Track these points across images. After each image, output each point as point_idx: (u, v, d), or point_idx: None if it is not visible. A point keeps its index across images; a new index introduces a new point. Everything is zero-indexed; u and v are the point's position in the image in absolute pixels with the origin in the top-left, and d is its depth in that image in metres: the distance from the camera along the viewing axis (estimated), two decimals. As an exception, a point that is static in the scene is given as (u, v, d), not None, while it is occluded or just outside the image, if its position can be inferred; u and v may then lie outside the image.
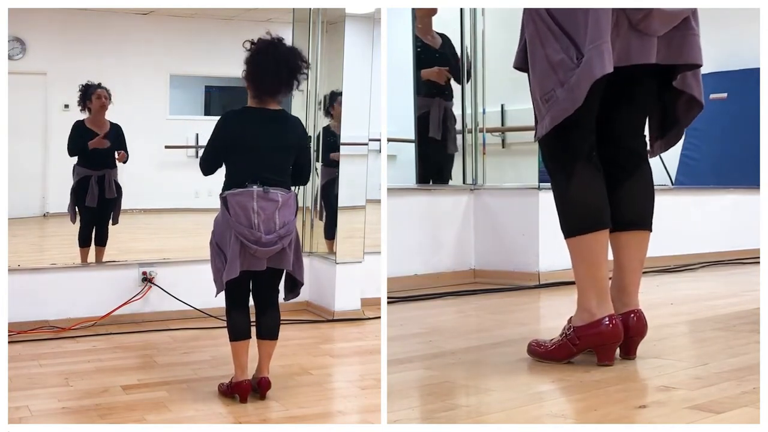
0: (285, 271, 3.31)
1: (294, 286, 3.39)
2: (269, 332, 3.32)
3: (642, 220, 2.95)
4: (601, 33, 2.65)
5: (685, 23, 2.79)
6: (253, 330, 3.32)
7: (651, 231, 2.96)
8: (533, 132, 2.93)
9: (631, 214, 2.92)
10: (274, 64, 3.17)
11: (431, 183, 5.78)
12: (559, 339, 2.91)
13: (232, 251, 3.13)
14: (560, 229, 2.92)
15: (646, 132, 3.05)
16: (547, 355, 2.92)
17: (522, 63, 2.91)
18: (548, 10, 2.75)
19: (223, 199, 3.19)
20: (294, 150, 3.32)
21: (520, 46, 2.93)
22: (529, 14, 2.82)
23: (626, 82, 2.86)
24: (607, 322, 2.79)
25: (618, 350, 2.89)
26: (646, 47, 2.76)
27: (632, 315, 2.89)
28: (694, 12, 2.81)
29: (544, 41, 2.76)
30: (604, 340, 2.81)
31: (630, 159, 2.96)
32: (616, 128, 2.94)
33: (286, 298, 3.42)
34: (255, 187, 3.15)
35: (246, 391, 3.20)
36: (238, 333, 3.26)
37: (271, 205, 3.16)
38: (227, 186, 3.22)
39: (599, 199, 2.85)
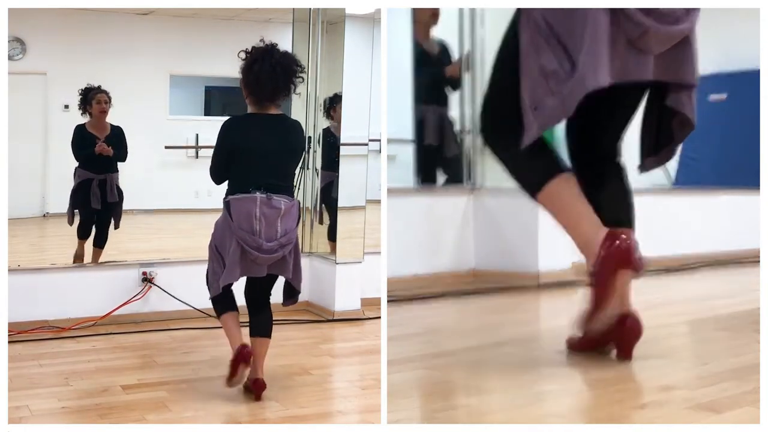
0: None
1: (292, 293, 3.40)
2: (262, 330, 3.33)
3: (621, 219, 2.93)
4: (597, 46, 2.65)
5: (683, 41, 2.78)
6: (247, 331, 3.32)
7: (634, 229, 2.95)
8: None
9: (610, 213, 2.90)
10: (270, 71, 3.17)
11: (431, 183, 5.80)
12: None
13: (233, 256, 3.13)
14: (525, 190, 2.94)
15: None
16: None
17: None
18: (545, 19, 2.75)
19: (226, 204, 3.19)
20: (297, 154, 3.32)
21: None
22: (526, 22, 2.81)
23: (614, 94, 2.85)
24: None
25: (614, 353, 2.89)
26: (643, 65, 2.76)
27: (628, 317, 2.88)
28: (692, 30, 2.80)
29: (539, 50, 2.75)
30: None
31: (604, 163, 3.01)
32: (596, 136, 2.97)
33: (284, 304, 3.43)
34: (258, 193, 3.15)
35: (248, 355, 3.16)
36: (224, 307, 3.28)
37: (274, 212, 3.16)
38: (231, 191, 3.22)
39: (548, 152, 2.88)
